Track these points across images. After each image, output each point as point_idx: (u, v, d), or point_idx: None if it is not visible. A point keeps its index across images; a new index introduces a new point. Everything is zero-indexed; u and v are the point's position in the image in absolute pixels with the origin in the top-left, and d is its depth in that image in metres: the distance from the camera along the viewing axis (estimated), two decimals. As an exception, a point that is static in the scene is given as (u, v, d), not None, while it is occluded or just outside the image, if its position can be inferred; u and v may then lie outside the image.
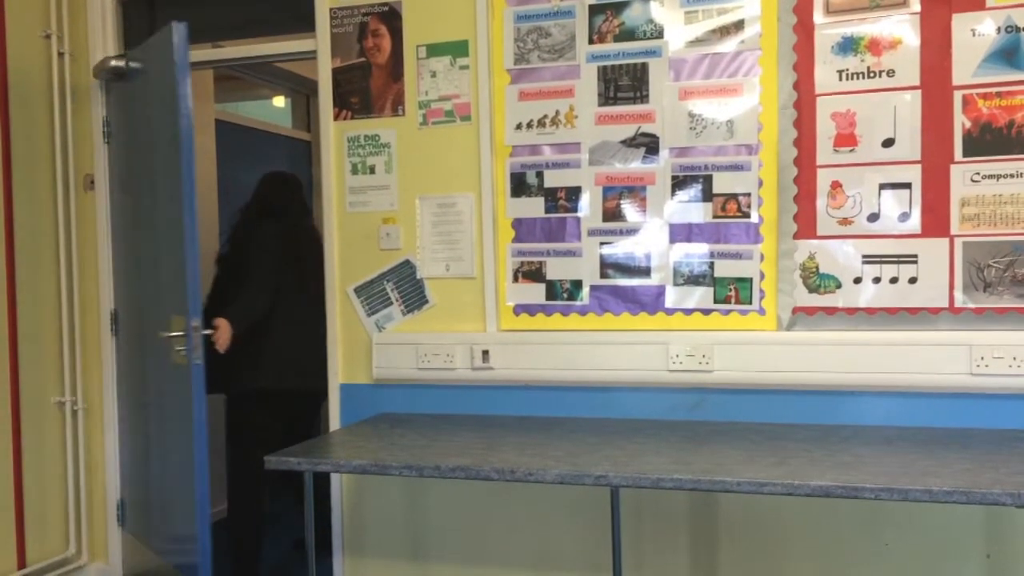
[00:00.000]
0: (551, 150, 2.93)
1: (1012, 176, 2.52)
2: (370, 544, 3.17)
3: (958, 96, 2.55)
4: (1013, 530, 2.56)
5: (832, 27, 2.65)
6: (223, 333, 3.27)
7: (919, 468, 2.07)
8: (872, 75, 2.62)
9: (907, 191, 2.61)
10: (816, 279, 2.69)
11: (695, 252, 2.81)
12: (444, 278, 3.05)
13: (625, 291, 2.87)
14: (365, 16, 3.12)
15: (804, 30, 2.67)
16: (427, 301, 3.07)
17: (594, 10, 2.87)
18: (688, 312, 2.82)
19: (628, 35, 2.84)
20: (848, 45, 2.64)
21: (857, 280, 2.66)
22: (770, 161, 2.72)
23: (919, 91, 2.59)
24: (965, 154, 2.56)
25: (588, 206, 2.90)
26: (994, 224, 2.54)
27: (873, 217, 2.64)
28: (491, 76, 2.98)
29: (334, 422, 3.19)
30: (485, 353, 2.96)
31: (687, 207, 2.81)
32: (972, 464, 2.10)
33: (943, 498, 1.89)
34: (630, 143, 2.85)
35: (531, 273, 2.97)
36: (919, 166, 2.60)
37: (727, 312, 2.78)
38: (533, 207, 2.95)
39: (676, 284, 2.83)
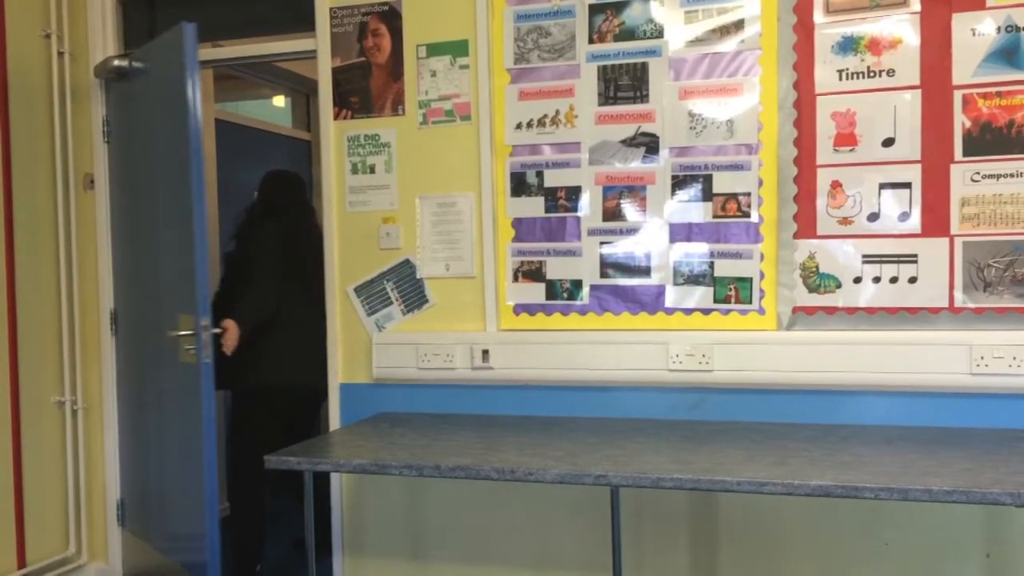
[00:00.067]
0: (551, 150, 2.93)
1: (1012, 176, 2.52)
2: (370, 544, 3.17)
3: (958, 96, 2.55)
4: (1013, 530, 2.56)
5: (832, 27, 2.65)
6: (231, 334, 3.29)
7: (919, 468, 2.07)
8: (872, 75, 2.62)
9: (907, 191, 2.61)
10: (816, 279, 2.69)
11: (695, 252, 2.81)
12: (444, 278, 3.05)
13: (625, 291, 2.87)
14: (365, 16, 3.11)
15: (804, 30, 2.67)
16: (427, 301, 3.07)
17: (594, 10, 2.87)
18: (688, 312, 2.82)
19: (628, 35, 2.84)
20: (848, 45, 2.64)
21: (857, 280, 2.66)
22: (770, 161, 2.72)
23: (919, 91, 2.59)
24: (965, 154, 2.56)
25: (588, 206, 2.90)
26: (994, 224, 2.54)
27: (873, 217, 2.64)
28: (491, 76, 2.98)
29: (334, 422, 3.19)
30: (485, 353, 2.96)
31: (687, 207, 2.81)
32: (972, 464, 2.10)
33: (943, 498, 1.89)
34: (630, 143, 2.85)
35: (531, 273, 2.97)
36: (919, 166, 2.60)
37: (727, 312, 2.78)
38: (533, 207, 2.95)
39: (676, 284, 2.83)
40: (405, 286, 3.09)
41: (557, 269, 2.94)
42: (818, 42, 2.66)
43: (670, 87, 2.81)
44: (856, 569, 2.69)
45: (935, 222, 2.59)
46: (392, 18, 3.09)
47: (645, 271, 2.85)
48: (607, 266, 2.89)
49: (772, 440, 2.44)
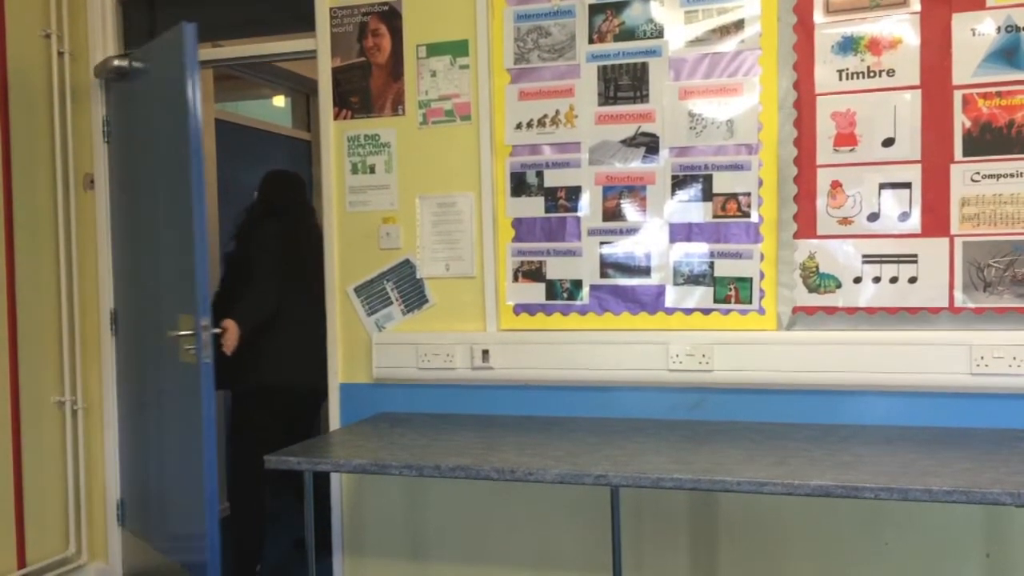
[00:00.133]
0: (551, 150, 2.93)
1: (1012, 176, 2.52)
2: (370, 544, 3.17)
3: (958, 96, 2.55)
4: (1013, 530, 2.56)
5: (832, 27, 2.65)
6: (231, 335, 3.29)
7: (919, 468, 2.07)
8: (872, 75, 2.62)
9: (907, 191, 2.61)
10: (816, 279, 2.69)
11: (695, 252, 2.80)
12: (444, 278, 3.05)
13: (625, 291, 2.87)
14: (365, 15, 3.11)
15: (804, 29, 2.67)
16: (427, 301, 3.07)
17: (594, 10, 2.87)
18: (688, 312, 2.82)
19: (628, 35, 2.84)
20: (848, 45, 2.64)
21: (857, 280, 2.66)
22: (770, 161, 2.72)
23: (919, 91, 2.59)
24: (965, 154, 2.56)
25: (588, 206, 2.90)
26: (994, 224, 2.54)
27: (873, 217, 2.64)
28: (491, 76, 2.98)
29: (334, 422, 3.19)
30: (485, 353, 2.96)
31: (687, 207, 2.81)
32: (972, 464, 2.10)
33: (943, 498, 1.89)
34: (630, 143, 2.85)
35: (531, 273, 2.97)
36: (919, 166, 2.60)
37: (727, 312, 2.78)
38: (533, 207, 2.95)
39: (676, 284, 2.83)
40: (405, 286, 3.09)
41: (557, 269, 2.94)
42: (818, 42, 2.66)
43: (670, 87, 2.81)
44: (856, 569, 2.69)
45: (935, 222, 2.59)
46: (392, 18, 3.09)
47: (645, 271, 2.85)
48: (607, 266, 2.89)
49: (772, 440, 2.44)
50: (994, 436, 2.43)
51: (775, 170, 2.72)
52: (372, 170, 3.12)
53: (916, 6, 2.58)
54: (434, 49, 3.04)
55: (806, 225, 2.69)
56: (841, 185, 2.66)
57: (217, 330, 3.19)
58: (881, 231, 2.63)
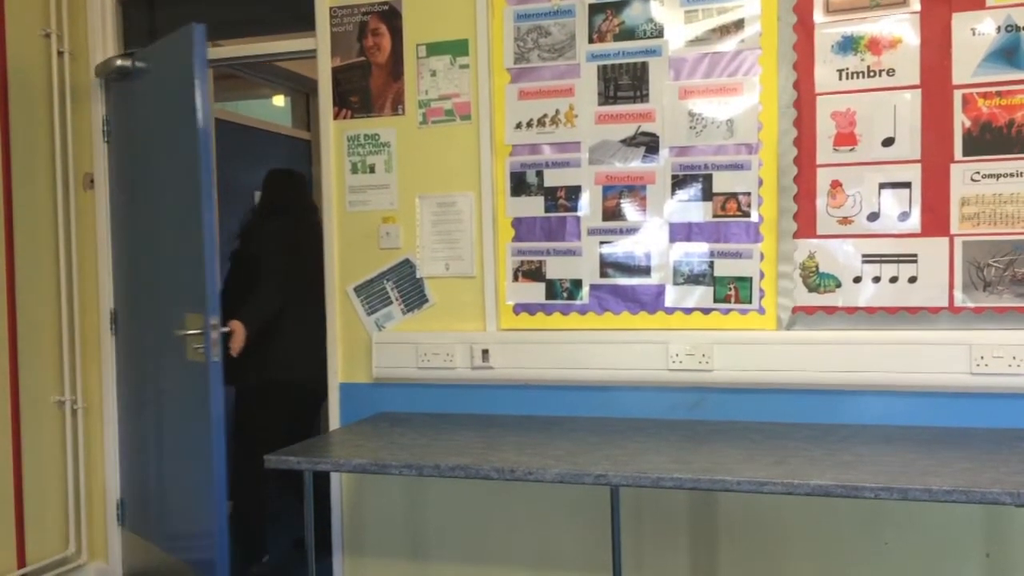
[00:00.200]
0: (551, 149, 2.93)
1: (1012, 175, 2.52)
2: (370, 543, 3.17)
3: (958, 95, 2.55)
4: (1013, 530, 2.56)
5: (832, 26, 2.65)
6: (237, 336, 3.30)
7: (919, 467, 2.07)
8: (872, 74, 2.62)
9: (907, 190, 2.61)
10: (816, 278, 2.69)
11: (695, 251, 2.80)
12: (444, 277, 3.05)
13: (625, 290, 2.87)
14: (365, 15, 3.11)
15: (804, 29, 2.67)
16: (427, 300, 3.07)
17: (594, 9, 2.87)
18: (688, 311, 2.82)
19: (628, 34, 2.84)
20: (848, 44, 2.64)
21: (857, 279, 2.66)
22: (770, 160, 2.72)
23: (919, 90, 2.59)
24: (965, 153, 2.55)
25: (588, 205, 2.90)
26: (994, 223, 2.54)
27: (873, 216, 2.64)
28: (491, 75, 2.98)
29: (334, 421, 3.19)
30: (485, 352, 2.96)
31: (687, 206, 2.80)
32: (972, 463, 2.10)
33: (943, 497, 1.89)
34: (630, 142, 2.85)
35: (531, 272, 2.97)
36: (919, 165, 2.60)
37: (727, 311, 2.78)
38: (533, 206, 2.95)
39: (676, 283, 2.83)
40: (405, 286, 3.09)
41: (557, 269, 2.94)
42: (818, 42, 2.66)
43: (670, 87, 2.81)
44: (856, 569, 2.69)
45: (935, 222, 2.58)
46: (392, 18, 3.08)
47: (645, 271, 2.85)
48: (607, 266, 2.89)
49: (772, 440, 2.44)
50: (994, 436, 2.43)
51: (775, 170, 2.72)
52: (372, 170, 3.12)
53: (916, 6, 2.57)
54: (434, 49, 3.04)
55: (806, 225, 2.69)
56: (841, 185, 2.66)
57: (225, 329, 3.20)
58: (881, 231, 2.63)
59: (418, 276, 3.08)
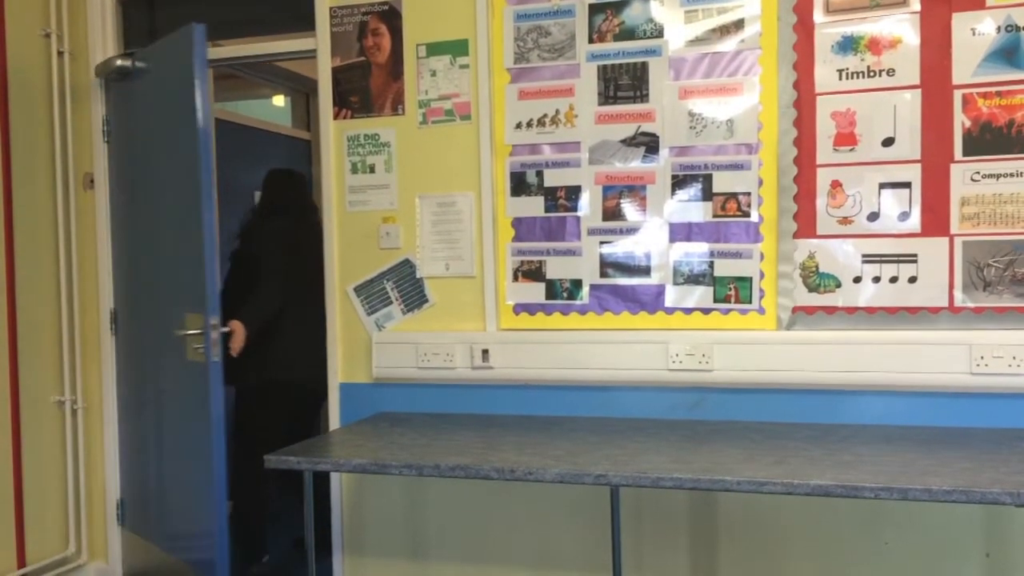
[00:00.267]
0: (551, 149, 2.93)
1: (1012, 175, 2.52)
2: (370, 543, 3.17)
3: (958, 95, 2.55)
4: (1013, 530, 2.56)
5: (832, 26, 2.65)
6: (238, 337, 3.30)
7: (919, 467, 2.07)
8: (872, 74, 2.62)
9: (907, 190, 2.61)
10: (816, 278, 2.69)
11: (695, 251, 2.80)
12: (444, 277, 3.05)
13: (625, 290, 2.87)
14: (365, 15, 3.11)
15: (804, 29, 2.67)
16: (427, 300, 3.07)
17: (594, 9, 2.87)
18: (688, 311, 2.82)
19: (628, 34, 2.84)
20: (848, 44, 2.64)
21: (857, 279, 2.66)
22: (770, 160, 2.72)
23: (919, 90, 2.59)
24: (965, 153, 2.55)
25: (588, 205, 2.90)
26: (994, 223, 2.54)
27: (873, 216, 2.64)
28: (491, 75, 2.98)
29: (334, 421, 3.19)
30: (485, 352, 2.96)
31: (687, 206, 2.80)
32: (972, 463, 2.10)
33: (943, 497, 1.89)
34: (630, 142, 2.85)
35: (531, 272, 2.97)
36: (919, 165, 2.60)
37: (727, 311, 2.78)
38: (533, 206, 2.95)
39: (676, 283, 2.83)
40: (405, 286, 3.09)
41: (557, 269, 2.94)
42: (818, 42, 2.66)
43: (670, 87, 2.81)
44: (856, 569, 2.69)
45: (935, 222, 2.58)
46: (392, 18, 3.08)
47: (645, 271, 2.85)
48: (607, 266, 2.89)
49: (772, 440, 2.44)
50: (994, 436, 2.43)
51: (775, 170, 2.72)
52: (372, 170, 3.12)
53: (916, 6, 2.57)
54: (434, 48, 3.04)
55: (806, 224, 2.69)
56: (841, 185, 2.66)
57: (226, 329, 3.20)
58: (881, 231, 2.63)
59: (418, 276, 3.08)
